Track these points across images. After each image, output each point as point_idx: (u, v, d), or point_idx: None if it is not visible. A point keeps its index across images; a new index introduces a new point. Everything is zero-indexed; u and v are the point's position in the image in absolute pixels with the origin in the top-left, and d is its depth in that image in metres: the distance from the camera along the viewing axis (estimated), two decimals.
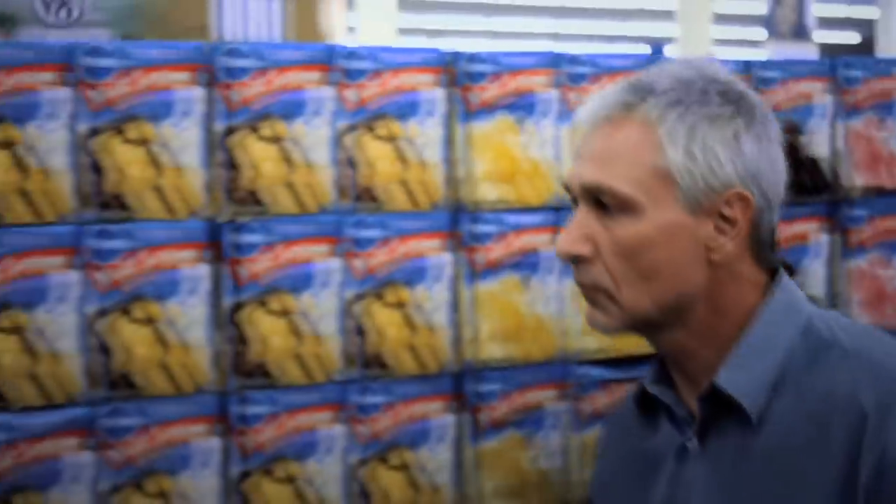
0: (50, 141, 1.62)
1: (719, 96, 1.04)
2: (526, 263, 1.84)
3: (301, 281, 1.72)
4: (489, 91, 1.81)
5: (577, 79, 1.87)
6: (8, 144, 1.60)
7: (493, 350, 1.82)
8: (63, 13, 2.82)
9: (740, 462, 1.02)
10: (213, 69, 1.69)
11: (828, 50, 11.13)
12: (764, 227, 1.06)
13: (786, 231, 1.90)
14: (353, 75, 1.74)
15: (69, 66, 1.63)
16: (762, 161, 1.04)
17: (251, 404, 1.71)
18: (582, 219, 1.05)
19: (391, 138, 1.77)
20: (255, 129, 1.70)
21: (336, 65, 1.74)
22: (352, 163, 1.76)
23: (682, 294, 1.04)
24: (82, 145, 1.63)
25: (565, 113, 1.86)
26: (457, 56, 1.82)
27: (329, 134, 1.75)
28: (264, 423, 1.71)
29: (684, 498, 1.06)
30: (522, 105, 1.84)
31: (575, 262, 1.06)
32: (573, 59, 1.88)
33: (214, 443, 1.70)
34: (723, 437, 1.04)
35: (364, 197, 1.76)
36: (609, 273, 1.04)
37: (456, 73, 1.81)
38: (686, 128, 1.02)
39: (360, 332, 1.76)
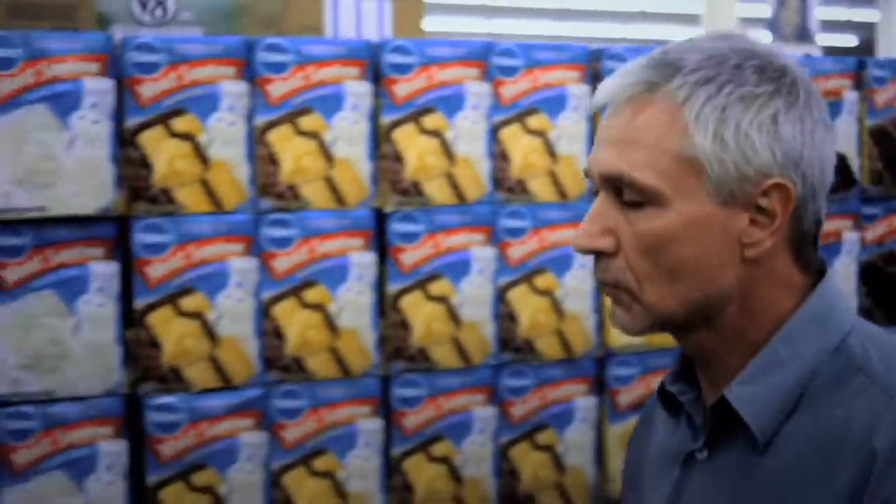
0: (228, 133, 1.68)
1: (756, 73, 0.92)
2: None
3: (458, 268, 1.80)
4: None
5: None
6: (190, 136, 1.66)
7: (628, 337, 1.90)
8: (159, 12, 2.88)
9: (743, 483, 0.95)
10: (377, 65, 1.76)
11: (828, 53, 11.28)
12: (807, 220, 0.95)
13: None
14: (507, 72, 1.82)
15: (247, 61, 1.69)
16: (805, 146, 0.93)
17: (410, 387, 1.78)
18: (602, 210, 0.95)
19: (540, 132, 1.85)
20: (417, 123, 1.76)
21: (491, 61, 1.81)
22: (504, 156, 1.83)
23: (711, 294, 0.94)
24: (258, 138, 1.70)
25: None
26: (599, 53, 1.90)
27: (484, 127, 1.82)
28: (422, 405, 1.79)
29: None
30: None
31: (595, 256, 0.97)
32: None
33: (376, 423, 1.77)
34: (730, 452, 0.97)
35: (516, 189, 1.84)
36: (631, 270, 0.95)
37: (599, 69, 1.89)
38: (717, 110, 0.91)
39: (511, 318, 1.84)
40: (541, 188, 1.85)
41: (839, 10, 11.19)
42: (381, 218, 1.77)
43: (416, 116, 1.77)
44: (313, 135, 1.72)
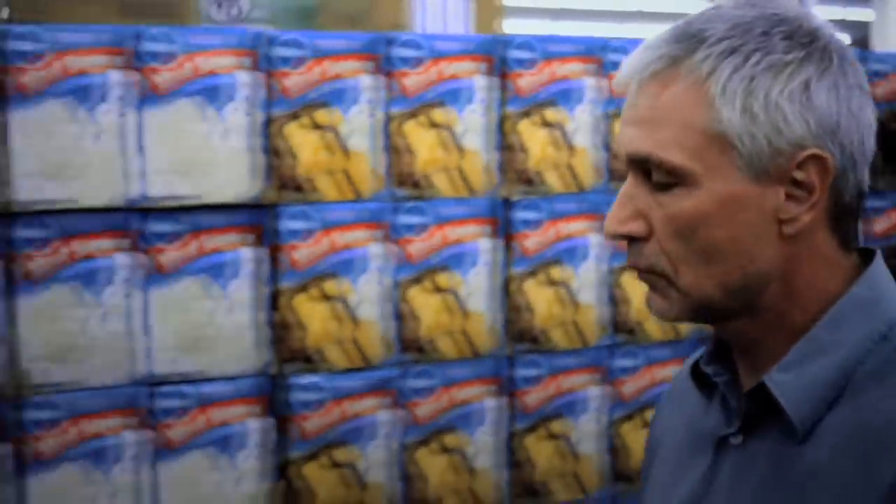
0: (366, 125, 1.76)
1: (785, 39, 0.87)
2: None
3: (575, 254, 1.89)
4: None
5: None
6: (331, 128, 1.74)
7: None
8: (234, 10, 2.95)
9: (777, 472, 0.91)
10: (504, 60, 1.84)
11: None
12: (848, 192, 0.90)
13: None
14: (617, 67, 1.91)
15: (383, 56, 1.77)
16: (842, 113, 0.88)
17: (531, 367, 1.87)
18: (632, 192, 0.91)
19: None
20: (538, 115, 1.85)
21: (607, 57, 1.90)
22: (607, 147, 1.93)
23: (750, 275, 0.90)
24: (394, 129, 1.78)
25: None
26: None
27: (592, 121, 1.91)
28: (535, 385, 1.88)
29: (716, 493, 0.96)
30: None
31: (628, 242, 0.93)
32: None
33: (495, 403, 1.86)
34: (766, 440, 0.92)
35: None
36: (665, 254, 0.91)
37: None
38: (744, 81, 0.86)
39: (624, 301, 1.93)
40: None
41: (834, 10, 11.39)
42: (505, 206, 1.86)
43: (537, 109, 1.86)
44: (444, 126, 1.81)
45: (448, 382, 1.82)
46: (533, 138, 1.87)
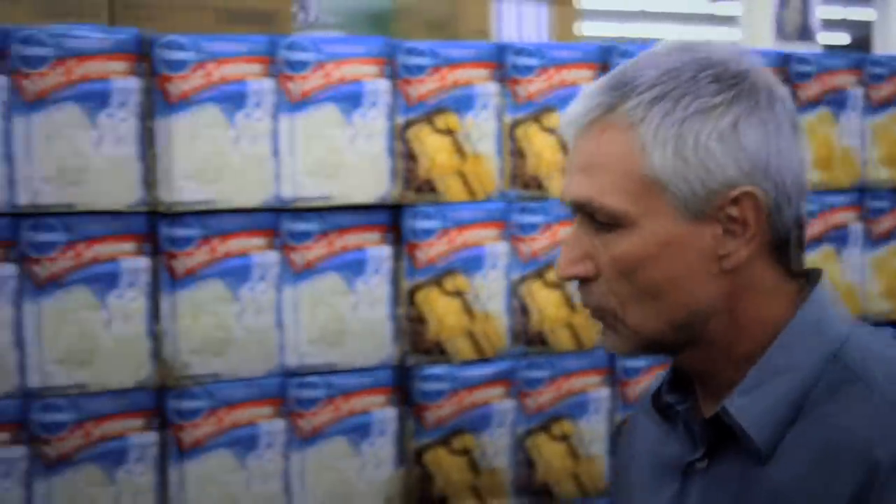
0: (483, 129, 1.86)
1: (713, 82, 0.90)
2: None
3: None
4: None
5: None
6: (450, 132, 1.84)
7: None
8: (302, 16, 3.05)
9: (742, 493, 0.93)
10: (608, 68, 1.94)
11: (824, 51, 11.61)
12: (784, 225, 0.92)
13: None
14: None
15: (499, 64, 1.87)
16: (771, 151, 0.90)
17: (631, 359, 1.98)
18: (579, 236, 0.94)
19: None
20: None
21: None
22: None
23: (694, 311, 0.92)
24: (508, 133, 1.88)
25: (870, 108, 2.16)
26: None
27: (676, 126, 2.01)
28: (641, 375, 1.98)
29: None
30: None
31: (578, 282, 0.96)
32: None
33: (605, 392, 1.96)
34: (730, 462, 0.95)
35: None
36: (613, 293, 0.93)
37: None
38: (674, 127, 0.88)
39: None
40: None
41: (835, 9, 11.55)
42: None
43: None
44: (554, 131, 1.91)
45: (559, 373, 1.93)
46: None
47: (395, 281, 1.82)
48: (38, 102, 1.61)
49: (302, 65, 1.74)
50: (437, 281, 1.84)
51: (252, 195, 1.71)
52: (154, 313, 1.68)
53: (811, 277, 0.97)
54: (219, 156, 1.69)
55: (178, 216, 1.67)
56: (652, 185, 0.89)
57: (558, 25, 2.68)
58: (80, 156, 1.63)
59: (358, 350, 1.80)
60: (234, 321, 1.70)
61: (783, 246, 0.94)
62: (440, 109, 1.83)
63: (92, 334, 1.64)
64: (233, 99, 1.69)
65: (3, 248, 1.60)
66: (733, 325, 0.93)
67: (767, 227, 0.91)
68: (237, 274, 1.70)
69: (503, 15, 2.61)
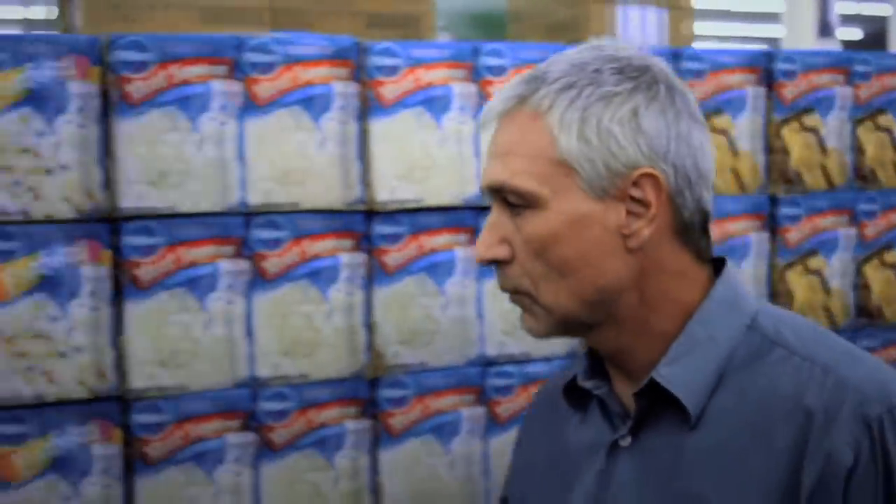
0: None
1: (615, 74, 0.97)
2: None
3: (829, 246, 2.11)
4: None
5: None
6: (723, 132, 2.01)
7: None
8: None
9: (675, 460, 0.96)
10: (770, 72, 2.06)
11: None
12: (687, 210, 0.97)
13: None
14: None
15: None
16: (671, 136, 0.96)
17: None
18: (496, 220, 1.00)
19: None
20: (798, 121, 2.06)
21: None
22: (861, 149, 2.14)
23: (603, 288, 0.97)
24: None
25: None
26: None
27: (839, 125, 2.13)
28: None
29: (613, 496, 1.01)
30: None
31: (496, 266, 1.01)
32: None
33: None
34: (658, 434, 0.98)
35: (869, 177, 2.15)
36: (527, 275, 0.98)
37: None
38: (578, 112, 0.95)
39: (858, 287, 2.15)
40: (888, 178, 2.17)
41: (850, 5, 11.68)
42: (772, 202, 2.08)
43: (797, 116, 2.07)
44: (722, 132, 2.01)
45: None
46: (793, 142, 2.08)
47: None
48: (267, 106, 1.70)
49: (498, 70, 1.83)
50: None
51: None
52: (367, 307, 1.78)
53: (717, 265, 1.02)
54: (424, 157, 1.79)
55: (389, 214, 1.77)
56: (561, 167, 0.95)
57: (674, 28, 2.78)
58: (304, 157, 1.72)
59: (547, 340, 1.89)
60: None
61: (688, 230, 0.98)
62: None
63: (312, 326, 1.74)
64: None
65: (234, 246, 1.69)
66: (644, 303, 0.98)
67: (669, 208, 0.96)
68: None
69: (626, 18, 2.70)
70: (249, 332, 1.72)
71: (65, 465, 1.65)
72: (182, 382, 1.69)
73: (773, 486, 0.91)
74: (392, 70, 1.78)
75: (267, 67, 1.70)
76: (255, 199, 1.71)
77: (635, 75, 0.97)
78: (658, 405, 0.98)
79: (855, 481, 0.89)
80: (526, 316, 1.01)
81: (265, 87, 1.70)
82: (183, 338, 1.69)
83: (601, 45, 1.00)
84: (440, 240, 1.80)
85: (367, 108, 1.76)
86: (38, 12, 9.68)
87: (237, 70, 1.69)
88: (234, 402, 1.71)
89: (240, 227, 1.70)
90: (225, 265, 1.69)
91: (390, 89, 1.77)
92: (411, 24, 2.51)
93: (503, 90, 1.00)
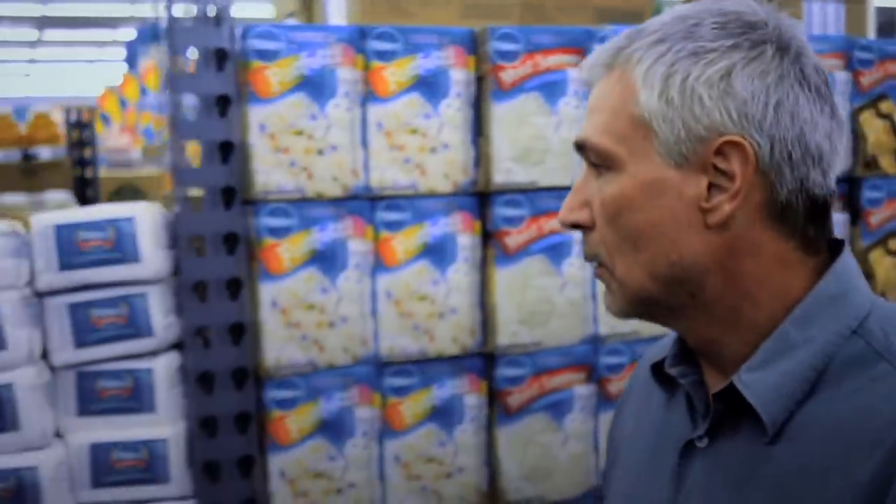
0: None
1: (716, 29, 0.86)
2: None
3: None
4: None
5: None
6: (887, 116, 2.16)
7: None
8: None
9: (748, 473, 0.88)
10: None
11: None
12: (785, 189, 0.86)
13: None
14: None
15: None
16: (769, 103, 0.85)
17: None
18: (582, 181, 0.93)
19: None
20: (874, 108, 2.22)
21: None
22: None
23: (677, 264, 0.88)
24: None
25: None
26: None
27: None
28: None
29: (688, 498, 0.93)
30: None
31: (581, 232, 0.93)
32: None
33: None
34: (735, 441, 0.89)
35: None
36: (604, 243, 0.91)
37: None
38: (664, 66, 0.86)
39: None
40: None
41: None
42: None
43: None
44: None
45: None
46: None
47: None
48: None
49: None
50: (883, 242, 2.16)
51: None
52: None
53: (834, 251, 0.91)
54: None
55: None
56: (640, 126, 0.87)
57: (851, 21, 3.01)
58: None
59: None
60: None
61: (787, 213, 0.87)
62: (882, 96, 2.15)
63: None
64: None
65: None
66: (733, 289, 0.88)
67: (761, 185, 0.86)
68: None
69: (810, 13, 2.92)
70: (594, 296, 1.91)
71: (442, 414, 1.84)
72: (539, 339, 1.88)
73: None
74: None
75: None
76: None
77: (739, 31, 0.87)
78: (737, 410, 0.88)
79: None
80: (606, 292, 0.93)
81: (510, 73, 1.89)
82: (542, 300, 1.88)
83: (730, 0, 0.90)
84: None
85: None
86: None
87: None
88: (581, 357, 1.91)
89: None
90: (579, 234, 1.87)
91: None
92: (636, 18, 2.71)
93: (601, 47, 0.93)
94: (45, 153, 3.33)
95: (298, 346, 1.71)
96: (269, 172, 1.67)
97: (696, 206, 0.85)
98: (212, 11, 1.66)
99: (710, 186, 0.85)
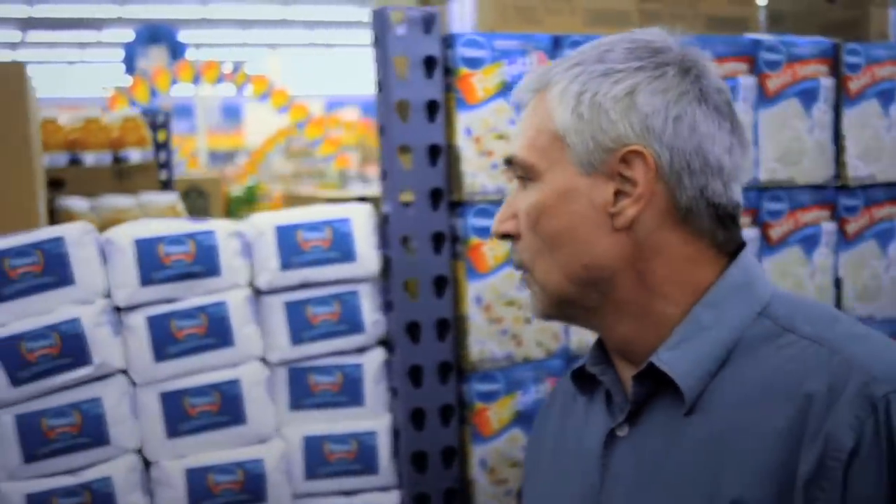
0: None
1: (625, 53, 0.95)
2: None
3: None
4: None
5: None
6: None
7: None
8: None
9: (671, 448, 0.93)
10: None
11: None
12: (685, 195, 0.93)
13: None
14: None
15: None
16: (668, 117, 0.92)
17: None
18: (512, 195, 1.00)
19: None
20: None
21: None
22: None
23: (590, 266, 0.95)
24: None
25: None
26: None
27: None
28: None
29: (611, 487, 0.97)
30: None
31: (511, 242, 1.01)
32: None
33: None
34: (655, 421, 0.95)
35: None
36: (527, 249, 0.98)
37: None
38: (577, 87, 0.94)
39: None
40: None
41: None
42: None
43: None
44: None
45: None
46: None
47: None
48: (774, 98, 1.99)
49: (851, 66, 2.09)
50: None
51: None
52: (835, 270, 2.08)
53: (738, 250, 0.99)
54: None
55: (852, 189, 2.07)
56: (556, 140, 0.95)
57: None
58: (799, 140, 2.01)
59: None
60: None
61: (691, 217, 0.94)
62: None
63: (801, 287, 2.03)
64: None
65: (749, 215, 1.98)
66: (643, 287, 0.95)
67: (664, 192, 0.93)
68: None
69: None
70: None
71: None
72: None
73: (767, 470, 0.86)
74: (855, 67, 2.08)
75: (775, 65, 1.99)
76: (764, 175, 1.99)
77: (646, 56, 0.95)
78: (658, 393, 0.95)
79: (856, 464, 0.83)
80: (530, 296, 1.01)
81: (774, 81, 1.99)
82: None
83: (642, 31, 0.99)
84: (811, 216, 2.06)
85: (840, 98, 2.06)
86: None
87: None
88: None
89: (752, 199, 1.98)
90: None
91: (855, 83, 2.07)
92: (741, 26, 2.81)
93: (533, 70, 1.06)
94: (134, 156, 3.37)
95: (498, 341, 1.79)
96: (475, 175, 1.75)
97: (604, 210, 0.94)
98: (420, 20, 1.73)
99: (617, 193, 0.94)
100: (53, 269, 1.54)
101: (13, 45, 18.20)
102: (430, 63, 1.73)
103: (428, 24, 1.72)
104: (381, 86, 1.72)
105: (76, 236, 1.56)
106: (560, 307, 0.98)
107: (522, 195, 0.98)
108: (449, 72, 1.74)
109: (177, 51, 11.41)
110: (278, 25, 19.76)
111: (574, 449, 1.05)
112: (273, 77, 10.91)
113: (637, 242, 0.94)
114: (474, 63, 1.74)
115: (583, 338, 1.86)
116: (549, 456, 1.12)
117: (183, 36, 12.62)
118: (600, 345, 1.04)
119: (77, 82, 18.94)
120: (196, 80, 8.93)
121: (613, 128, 0.93)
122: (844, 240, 2.09)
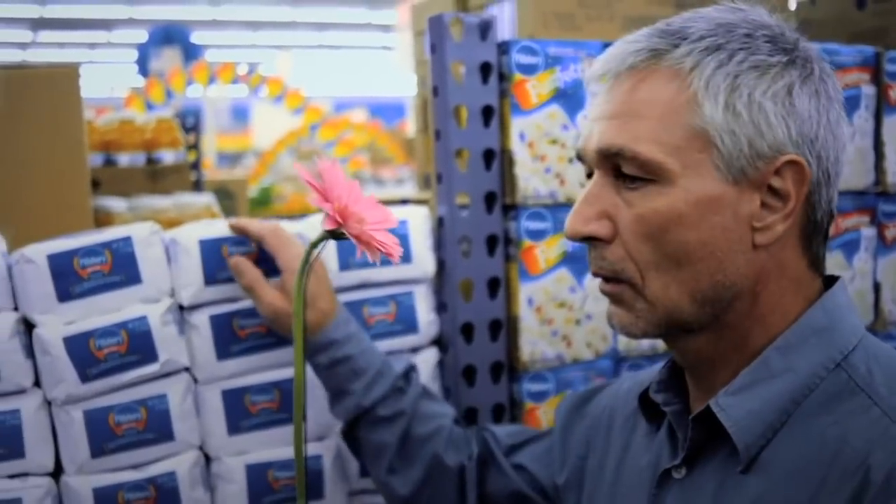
0: None
1: (768, 42, 0.84)
2: None
3: None
4: None
5: None
6: None
7: None
8: None
9: (723, 502, 0.85)
10: None
11: None
12: (821, 208, 0.85)
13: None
14: None
15: None
16: (821, 123, 0.83)
17: None
18: (598, 192, 0.86)
19: None
20: None
21: None
22: None
23: (721, 285, 0.84)
24: None
25: None
26: None
27: None
28: None
29: None
30: None
31: (589, 245, 0.87)
32: None
33: None
34: (710, 468, 0.87)
35: None
36: (631, 259, 0.85)
37: None
38: (728, 78, 0.81)
39: None
40: None
41: None
42: None
43: None
44: None
45: None
46: None
47: None
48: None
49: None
50: None
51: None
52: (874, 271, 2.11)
53: (829, 281, 0.90)
54: None
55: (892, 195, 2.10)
56: (697, 138, 0.82)
57: None
58: None
59: None
60: None
61: (815, 234, 0.86)
62: None
63: None
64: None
65: (867, 215, 2.04)
66: (754, 309, 0.86)
67: (806, 206, 0.85)
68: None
69: None
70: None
71: None
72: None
73: None
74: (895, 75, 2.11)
75: None
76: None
77: (789, 48, 0.85)
78: (716, 436, 0.86)
79: None
80: (619, 310, 0.88)
81: None
82: None
83: (745, 8, 0.88)
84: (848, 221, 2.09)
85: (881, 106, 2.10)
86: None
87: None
88: None
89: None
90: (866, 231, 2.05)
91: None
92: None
93: (625, 41, 0.88)
94: (167, 157, 3.41)
95: (549, 342, 1.82)
96: (529, 178, 1.78)
97: (747, 224, 0.83)
98: (477, 27, 1.76)
99: (762, 205, 0.83)
100: (122, 268, 1.57)
101: (24, 45, 18.26)
102: (485, 69, 1.76)
103: (484, 30, 1.76)
104: (438, 91, 1.76)
105: (144, 236, 1.59)
106: (666, 327, 0.87)
107: (626, 196, 0.85)
108: (503, 77, 1.77)
109: (189, 52, 11.47)
110: (288, 27, 19.82)
111: (635, 468, 0.98)
112: (285, 78, 10.96)
113: (767, 261, 0.85)
114: (528, 69, 1.77)
115: (631, 340, 1.90)
116: (606, 469, 1.05)
117: (196, 37, 12.68)
118: (670, 368, 0.95)
119: (87, 83, 19.01)
120: (212, 81, 8.98)
121: (772, 131, 0.82)
122: (883, 245, 2.12)
